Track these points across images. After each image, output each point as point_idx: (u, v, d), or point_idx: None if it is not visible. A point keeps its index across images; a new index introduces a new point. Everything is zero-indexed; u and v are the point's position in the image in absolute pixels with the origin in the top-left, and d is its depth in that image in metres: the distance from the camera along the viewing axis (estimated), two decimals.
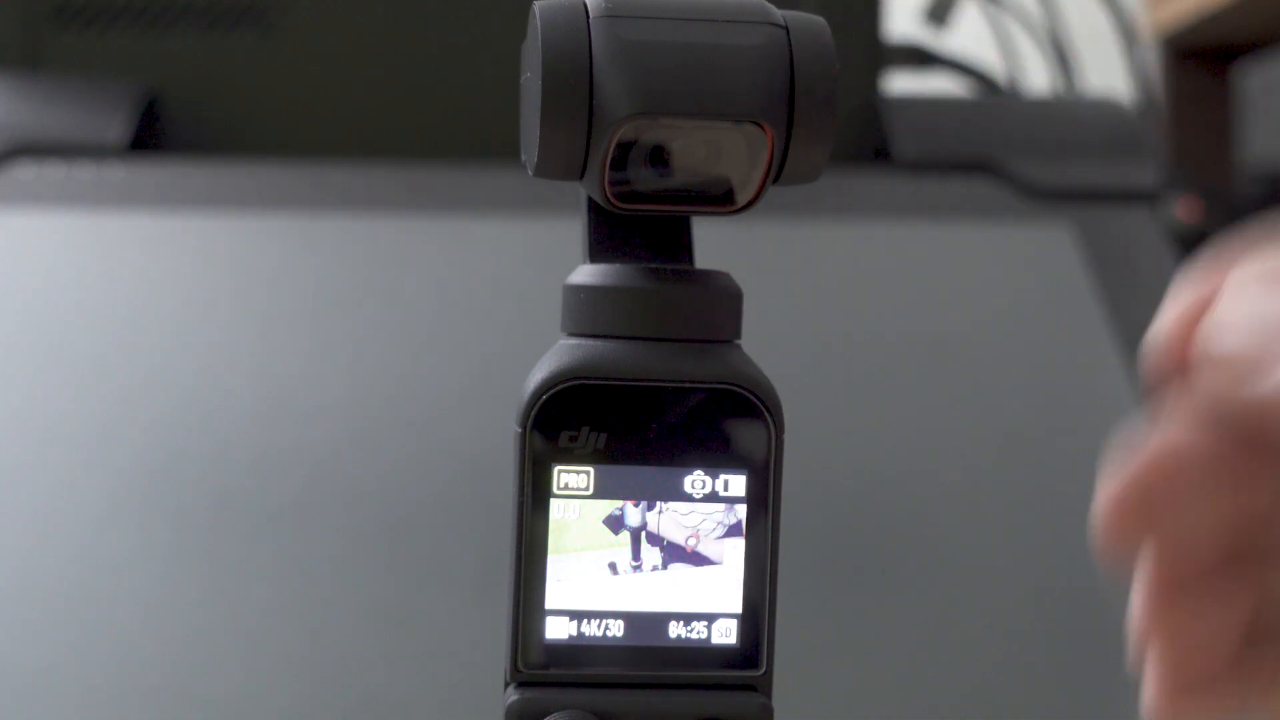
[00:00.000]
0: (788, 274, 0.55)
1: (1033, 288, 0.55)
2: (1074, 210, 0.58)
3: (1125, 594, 0.27)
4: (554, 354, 0.25)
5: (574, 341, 0.26)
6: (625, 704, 0.25)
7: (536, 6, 0.25)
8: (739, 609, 0.26)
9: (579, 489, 0.25)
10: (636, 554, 0.26)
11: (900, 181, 0.60)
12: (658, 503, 0.25)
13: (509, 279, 0.54)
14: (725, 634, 0.26)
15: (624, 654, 0.26)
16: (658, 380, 0.25)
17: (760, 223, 0.55)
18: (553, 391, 0.25)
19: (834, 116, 0.25)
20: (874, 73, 0.67)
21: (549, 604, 0.25)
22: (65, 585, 0.43)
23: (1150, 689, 0.26)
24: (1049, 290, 0.55)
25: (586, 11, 0.24)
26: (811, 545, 0.46)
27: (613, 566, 0.25)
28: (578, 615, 0.26)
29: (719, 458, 0.25)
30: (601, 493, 0.25)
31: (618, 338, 0.25)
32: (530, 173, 0.25)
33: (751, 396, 0.25)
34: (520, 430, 0.25)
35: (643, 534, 0.26)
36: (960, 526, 0.48)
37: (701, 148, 0.25)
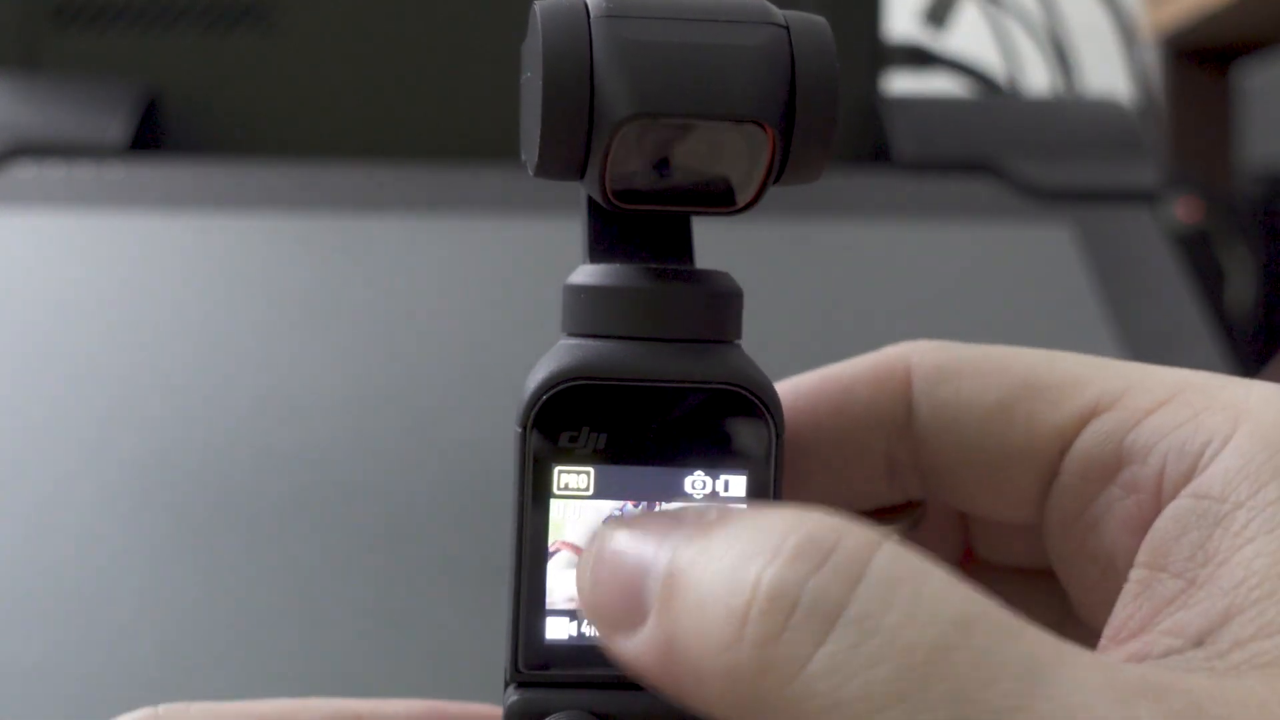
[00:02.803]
0: (788, 274, 0.55)
1: (1033, 288, 0.55)
2: (1074, 210, 0.58)
3: None
4: (554, 354, 0.25)
5: (574, 342, 0.26)
6: (625, 704, 0.25)
7: (537, 6, 0.25)
8: None
9: (579, 489, 0.25)
10: None
11: (900, 181, 0.60)
12: (658, 503, 0.25)
13: (509, 279, 0.54)
14: None
15: None
16: (658, 381, 0.25)
17: (760, 223, 0.55)
18: (553, 392, 0.25)
19: (835, 117, 0.25)
20: (874, 73, 0.67)
21: (549, 604, 0.25)
22: (61, 583, 0.43)
23: None
24: (1049, 290, 0.55)
25: (587, 11, 0.24)
26: None
27: None
28: (578, 616, 0.26)
29: (719, 458, 0.25)
30: (602, 493, 0.25)
31: (618, 338, 0.25)
32: (530, 173, 0.25)
33: (752, 397, 0.25)
34: (520, 430, 0.25)
35: None
36: None
37: (702, 148, 0.25)
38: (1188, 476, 0.24)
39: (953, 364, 0.27)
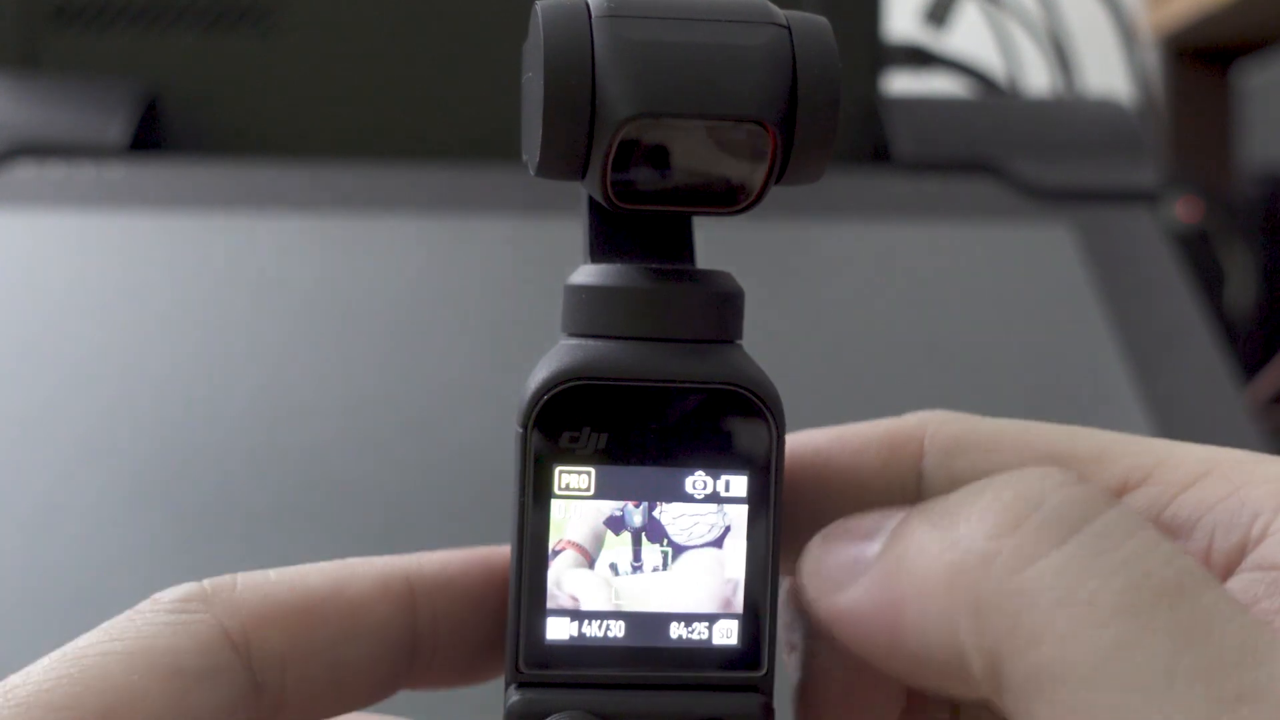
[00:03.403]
0: (788, 274, 0.55)
1: (1033, 288, 0.55)
2: (1074, 210, 0.58)
3: None
4: (554, 354, 0.25)
5: (575, 342, 0.26)
6: (626, 705, 0.25)
7: (538, 6, 0.25)
8: (740, 609, 0.26)
9: (580, 489, 0.25)
10: (637, 554, 0.26)
11: (900, 181, 0.60)
12: (659, 503, 0.25)
13: (509, 279, 0.54)
14: (726, 635, 0.26)
15: (625, 655, 0.26)
16: (659, 381, 0.25)
17: (760, 223, 0.55)
18: (554, 392, 0.25)
19: (837, 117, 0.25)
20: (874, 73, 0.67)
21: (550, 604, 0.25)
22: (62, 583, 0.43)
23: None
24: (1049, 290, 0.55)
25: (589, 11, 0.24)
26: None
27: (614, 567, 0.25)
28: (578, 616, 0.25)
29: (720, 458, 0.25)
30: (602, 493, 0.25)
31: (619, 338, 0.25)
32: (531, 173, 0.25)
33: (752, 397, 0.25)
34: (521, 430, 0.25)
35: (643, 534, 0.25)
36: None
37: (703, 148, 0.25)
38: (1240, 549, 0.24)
39: (970, 436, 0.27)
